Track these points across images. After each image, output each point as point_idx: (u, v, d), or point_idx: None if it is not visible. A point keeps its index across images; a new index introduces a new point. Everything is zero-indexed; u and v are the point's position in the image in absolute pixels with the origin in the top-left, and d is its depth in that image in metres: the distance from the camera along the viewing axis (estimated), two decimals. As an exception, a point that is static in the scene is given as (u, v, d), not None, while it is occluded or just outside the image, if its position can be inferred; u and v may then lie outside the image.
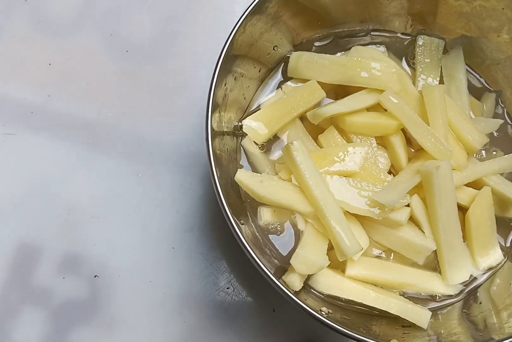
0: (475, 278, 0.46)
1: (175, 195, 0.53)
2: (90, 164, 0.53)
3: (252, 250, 0.38)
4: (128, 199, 0.53)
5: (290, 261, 0.42)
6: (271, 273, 0.38)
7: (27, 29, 0.57)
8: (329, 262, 0.42)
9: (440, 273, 0.45)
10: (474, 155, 0.48)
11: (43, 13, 0.57)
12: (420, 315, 0.43)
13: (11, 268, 0.51)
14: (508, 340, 0.38)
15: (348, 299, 0.44)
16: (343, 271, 0.44)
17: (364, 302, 0.43)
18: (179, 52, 0.56)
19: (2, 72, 0.56)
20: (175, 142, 0.54)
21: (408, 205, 0.43)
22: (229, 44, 0.41)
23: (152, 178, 0.53)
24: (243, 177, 0.43)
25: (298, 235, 0.46)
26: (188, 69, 0.56)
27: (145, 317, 0.50)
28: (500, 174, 0.47)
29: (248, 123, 0.47)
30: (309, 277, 0.44)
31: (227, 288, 0.51)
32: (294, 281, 0.42)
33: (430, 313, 0.43)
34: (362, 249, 0.42)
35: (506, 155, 0.47)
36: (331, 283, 0.43)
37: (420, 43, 0.50)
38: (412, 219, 0.44)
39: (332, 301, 0.44)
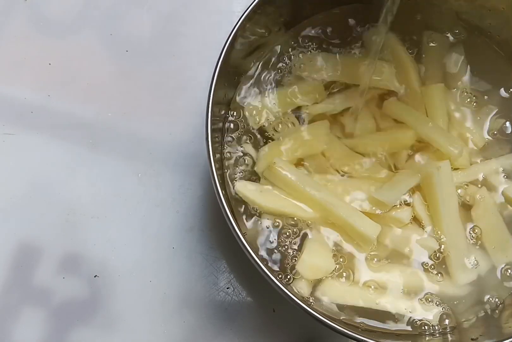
0: (482, 277, 0.46)
1: (175, 195, 0.53)
2: (90, 164, 0.53)
3: (252, 250, 0.38)
4: (128, 199, 0.52)
5: (296, 267, 0.42)
6: (271, 273, 0.38)
7: (27, 29, 0.57)
8: (336, 265, 0.42)
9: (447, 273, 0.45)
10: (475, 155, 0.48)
11: (43, 13, 0.57)
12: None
13: (11, 268, 0.51)
14: (508, 340, 0.38)
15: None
16: (346, 278, 0.44)
17: (371, 307, 0.43)
18: (179, 52, 0.56)
19: (2, 72, 0.56)
20: (175, 142, 0.54)
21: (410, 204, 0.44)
22: (229, 44, 0.41)
23: (152, 178, 0.53)
24: (243, 187, 0.43)
25: (298, 234, 0.46)
26: (188, 69, 0.56)
27: (145, 317, 0.50)
28: (500, 174, 0.47)
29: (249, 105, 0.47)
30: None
31: (227, 288, 0.51)
32: (303, 288, 0.42)
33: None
34: (381, 228, 0.42)
35: (506, 155, 0.47)
36: (337, 293, 0.43)
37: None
38: (413, 218, 0.44)
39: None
